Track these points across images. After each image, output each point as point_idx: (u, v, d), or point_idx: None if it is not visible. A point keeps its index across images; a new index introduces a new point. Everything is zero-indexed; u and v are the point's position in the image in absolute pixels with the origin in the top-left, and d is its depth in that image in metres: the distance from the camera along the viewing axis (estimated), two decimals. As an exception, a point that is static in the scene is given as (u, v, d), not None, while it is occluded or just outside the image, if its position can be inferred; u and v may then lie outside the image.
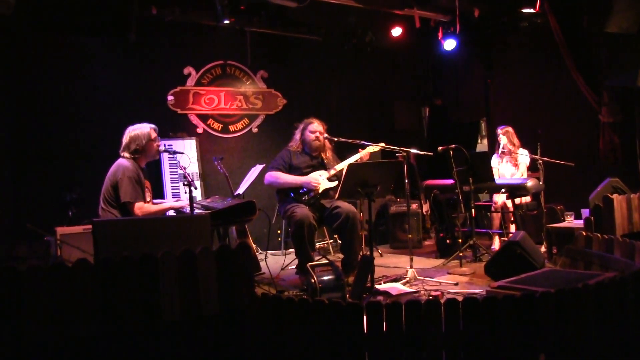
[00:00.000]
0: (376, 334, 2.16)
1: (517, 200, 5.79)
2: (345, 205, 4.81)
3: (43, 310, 1.94)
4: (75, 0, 3.82)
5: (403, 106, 8.39)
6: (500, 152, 6.08)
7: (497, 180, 5.54)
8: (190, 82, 6.78)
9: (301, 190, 4.84)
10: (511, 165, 6.04)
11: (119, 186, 3.84)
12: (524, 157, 5.97)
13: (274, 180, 4.90)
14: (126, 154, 4.02)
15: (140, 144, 4.02)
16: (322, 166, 5.02)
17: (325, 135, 5.01)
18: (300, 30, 7.08)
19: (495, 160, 6.10)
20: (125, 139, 4.06)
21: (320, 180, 4.84)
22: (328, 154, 5.11)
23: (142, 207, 3.89)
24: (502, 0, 6.62)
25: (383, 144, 4.98)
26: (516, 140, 6.03)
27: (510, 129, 6.05)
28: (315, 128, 5.00)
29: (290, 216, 4.68)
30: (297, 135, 5.09)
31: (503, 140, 5.99)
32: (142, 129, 4.06)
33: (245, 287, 2.19)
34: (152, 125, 4.13)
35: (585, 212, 4.93)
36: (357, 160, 4.84)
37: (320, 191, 4.82)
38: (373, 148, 5.00)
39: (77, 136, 6.00)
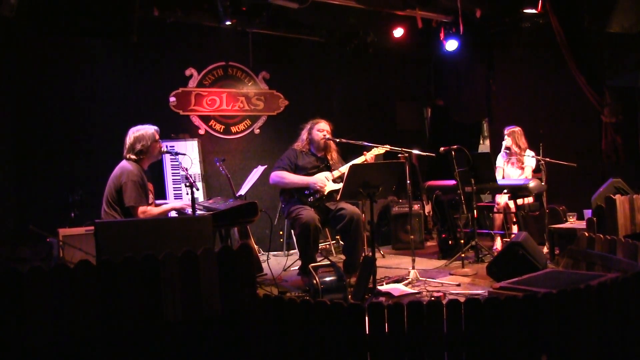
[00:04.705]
0: (378, 335, 2.16)
1: (520, 201, 5.77)
2: (350, 207, 4.82)
3: (45, 311, 1.95)
4: (77, 2, 3.81)
5: (405, 107, 8.38)
6: (502, 151, 6.06)
7: (500, 181, 5.53)
8: (192, 83, 6.78)
9: (306, 192, 4.85)
10: (517, 167, 5.99)
11: (123, 190, 3.84)
12: (529, 160, 5.89)
13: (280, 180, 4.91)
14: (131, 156, 4.01)
15: (145, 144, 4.02)
16: (327, 167, 5.03)
17: (328, 136, 5.02)
18: (302, 31, 7.08)
19: (500, 160, 6.08)
20: (129, 140, 4.05)
21: (326, 182, 4.84)
22: (333, 155, 5.12)
23: (146, 211, 3.90)
24: (504, 1, 6.61)
25: (388, 146, 4.98)
26: (523, 142, 5.93)
27: (517, 130, 5.95)
28: (323, 127, 5.03)
29: (295, 218, 4.68)
30: (304, 135, 5.10)
31: (507, 141, 5.96)
32: (146, 130, 4.07)
33: (247, 289, 2.19)
34: (155, 127, 4.14)
35: (587, 213, 4.92)
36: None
37: (326, 193, 4.83)
38: (378, 150, 5.00)
39: (79, 137, 6.00)
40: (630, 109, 5.81)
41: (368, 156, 4.95)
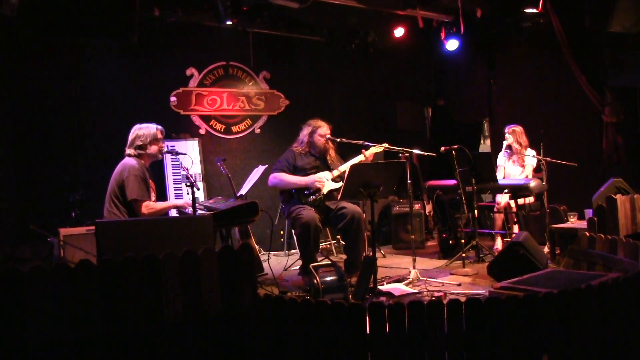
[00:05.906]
0: (379, 334, 2.15)
1: (520, 201, 5.77)
2: (351, 206, 4.82)
3: (46, 311, 1.95)
4: (77, 2, 3.82)
5: (405, 106, 8.38)
6: (504, 150, 6.06)
7: (500, 181, 5.53)
8: (193, 83, 6.78)
9: (305, 192, 4.85)
10: (518, 165, 6.00)
11: (126, 184, 3.86)
12: (530, 158, 5.89)
13: (278, 182, 4.91)
14: (131, 151, 4.06)
15: (144, 140, 4.07)
16: (326, 167, 5.02)
17: (328, 136, 5.02)
18: (302, 31, 7.08)
19: (502, 159, 6.08)
20: (131, 136, 4.13)
21: (325, 181, 4.84)
22: (332, 155, 5.12)
23: (149, 205, 3.92)
24: (505, 1, 6.61)
25: (386, 145, 4.99)
26: (524, 140, 5.94)
27: (518, 128, 5.96)
28: (325, 132, 5.03)
29: (296, 218, 4.68)
30: (305, 138, 5.08)
31: (509, 139, 5.96)
32: (149, 128, 4.14)
33: (248, 288, 2.19)
34: (160, 127, 4.19)
35: (588, 213, 4.92)
36: (360, 161, 4.84)
37: (325, 192, 4.83)
38: (377, 149, 5.01)
39: (80, 137, 6.01)
40: (631, 108, 5.81)
41: (367, 154, 4.95)
